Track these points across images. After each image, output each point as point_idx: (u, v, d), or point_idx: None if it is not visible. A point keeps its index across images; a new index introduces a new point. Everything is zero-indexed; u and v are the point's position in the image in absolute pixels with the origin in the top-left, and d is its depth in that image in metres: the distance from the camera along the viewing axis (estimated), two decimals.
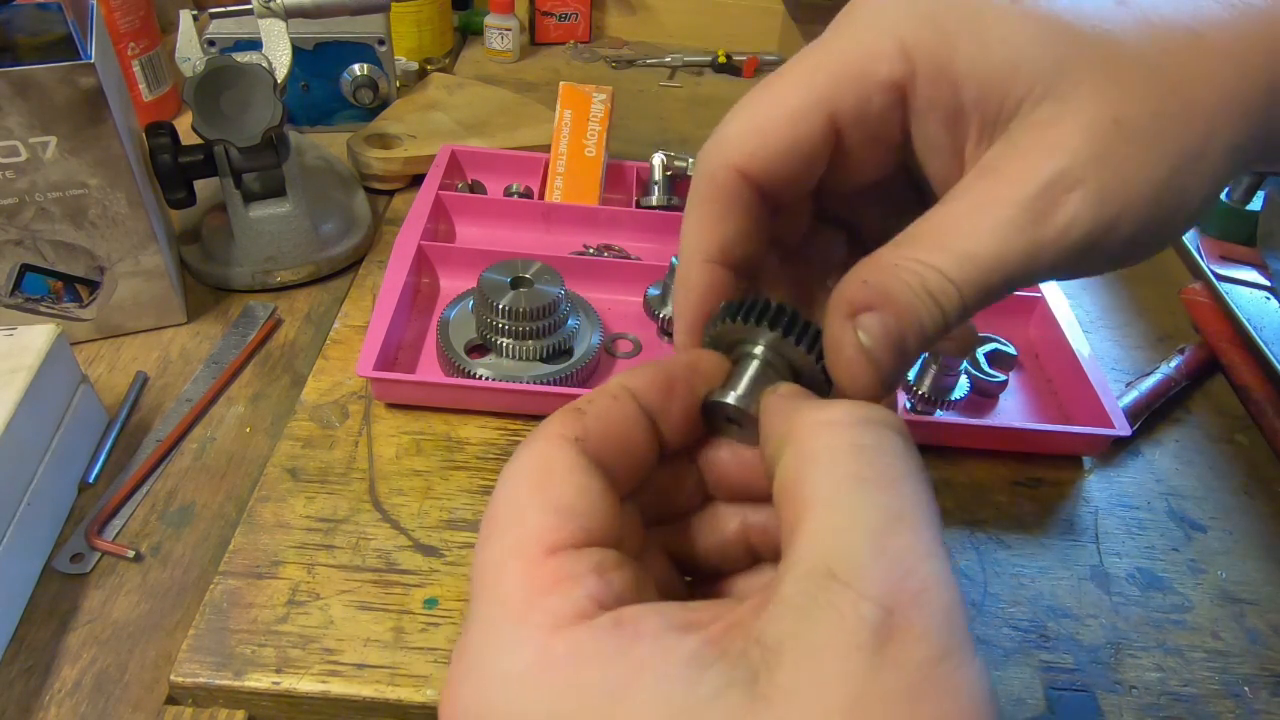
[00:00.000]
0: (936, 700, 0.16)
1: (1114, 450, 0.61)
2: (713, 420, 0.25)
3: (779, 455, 0.21)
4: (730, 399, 0.24)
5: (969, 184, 0.23)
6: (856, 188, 0.26)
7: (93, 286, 0.59)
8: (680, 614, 0.19)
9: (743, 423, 0.24)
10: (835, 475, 0.19)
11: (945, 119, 0.23)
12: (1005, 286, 0.22)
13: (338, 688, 0.42)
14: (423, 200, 0.70)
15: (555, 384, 0.58)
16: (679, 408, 0.24)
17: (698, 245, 0.26)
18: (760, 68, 1.11)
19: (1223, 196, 0.78)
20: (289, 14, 0.61)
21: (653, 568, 0.25)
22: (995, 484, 0.57)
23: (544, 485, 0.21)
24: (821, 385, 0.24)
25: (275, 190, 0.64)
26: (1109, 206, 0.21)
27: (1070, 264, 0.22)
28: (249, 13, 0.61)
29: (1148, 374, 0.65)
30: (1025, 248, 0.21)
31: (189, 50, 0.58)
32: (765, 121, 0.24)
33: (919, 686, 0.16)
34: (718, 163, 0.25)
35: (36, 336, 0.49)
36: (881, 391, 0.22)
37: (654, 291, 0.66)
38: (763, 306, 0.24)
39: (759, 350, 0.25)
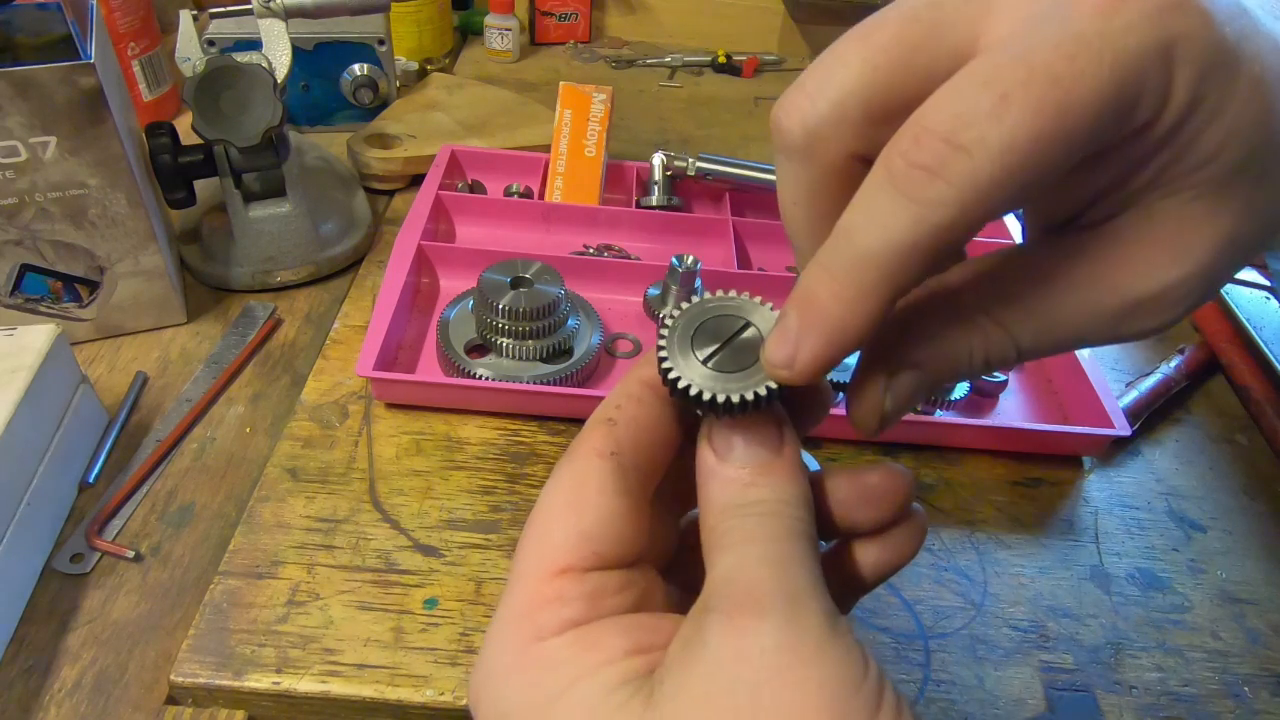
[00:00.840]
0: (776, 691, 0.19)
1: (1114, 450, 0.61)
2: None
3: (708, 531, 0.23)
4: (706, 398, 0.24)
5: (1088, 247, 0.22)
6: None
7: (93, 286, 0.59)
8: (646, 635, 0.22)
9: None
10: (730, 547, 0.22)
11: (1134, 156, 0.21)
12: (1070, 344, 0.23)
13: (338, 688, 0.42)
14: (423, 200, 0.70)
15: (555, 384, 0.58)
16: None
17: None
18: (760, 68, 1.11)
19: None
20: (289, 14, 0.61)
21: (687, 566, 0.26)
22: (995, 484, 0.57)
23: (574, 505, 0.23)
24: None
25: (275, 190, 0.64)
26: (1193, 308, 0.22)
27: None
28: (249, 13, 0.61)
29: (1148, 374, 0.65)
30: (1106, 333, 0.22)
31: (189, 50, 0.58)
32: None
33: (761, 681, 0.19)
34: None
35: (36, 336, 0.49)
36: (878, 434, 0.24)
37: (654, 291, 0.66)
38: (695, 400, 0.23)
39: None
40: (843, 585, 0.26)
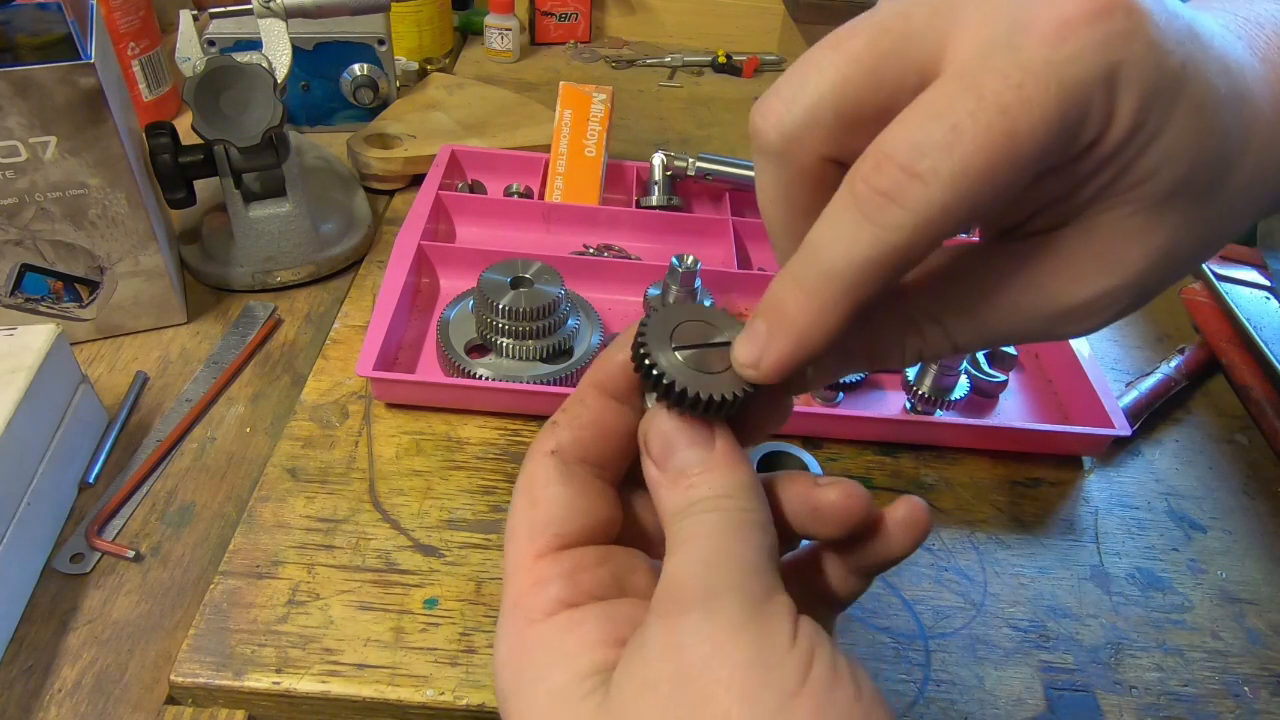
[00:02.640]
0: (698, 677, 0.20)
1: (1114, 450, 0.61)
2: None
3: (668, 537, 0.24)
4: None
5: (1028, 256, 0.23)
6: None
7: (93, 286, 0.59)
8: (625, 627, 0.23)
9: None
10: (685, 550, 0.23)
11: (1077, 174, 0.22)
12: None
13: (338, 688, 0.42)
14: (423, 200, 0.70)
15: (555, 384, 0.57)
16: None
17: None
18: (760, 68, 1.11)
19: None
20: (289, 14, 0.61)
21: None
22: (995, 484, 0.57)
23: (530, 501, 0.25)
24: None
25: (275, 190, 0.64)
26: (1123, 315, 0.23)
27: None
28: (249, 13, 0.61)
29: (1148, 374, 0.65)
30: (1039, 334, 0.24)
31: (189, 50, 0.58)
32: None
33: (686, 672, 0.20)
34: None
35: (36, 336, 0.49)
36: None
37: (654, 291, 0.66)
38: (666, 389, 0.24)
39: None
40: (825, 579, 0.27)
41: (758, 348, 0.22)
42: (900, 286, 0.24)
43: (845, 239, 0.20)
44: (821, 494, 0.25)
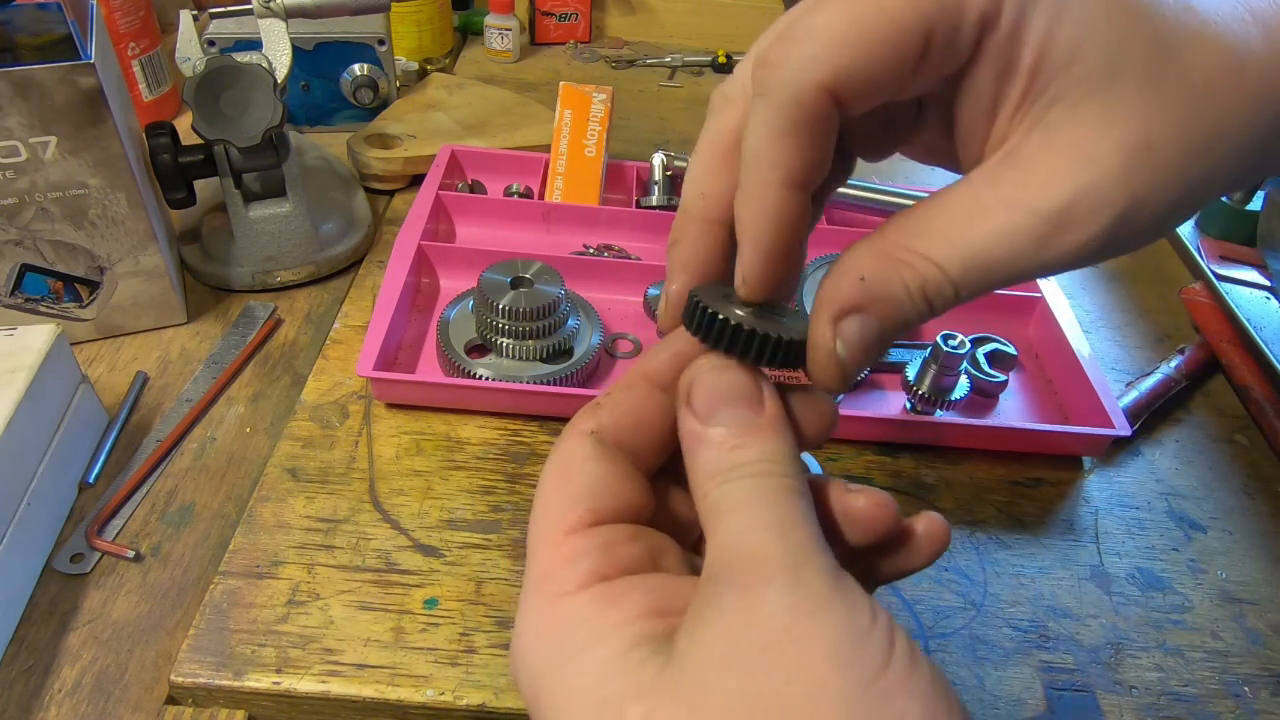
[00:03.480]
0: (784, 649, 0.20)
1: (1114, 450, 0.61)
2: None
3: (700, 498, 0.24)
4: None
5: (993, 172, 0.22)
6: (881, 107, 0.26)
7: (93, 286, 0.59)
8: (666, 598, 0.22)
9: None
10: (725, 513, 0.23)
11: (998, 72, 0.22)
12: (1002, 286, 0.23)
13: (338, 688, 0.42)
14: (423, 200, 0.70)
15: (555, 384, 0.57)
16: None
17: (775, 169, 0.23)
18: None
19: (1223, 197, 0.79)
20: (289, 14, 0.61)
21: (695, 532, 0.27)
22: (995, 484, 0.57)
23: (564, 476, 0.24)
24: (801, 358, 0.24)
25: (275, 190, 0.64)
26: (1124, 228, 0.22)
27: (1067, 270, 0.23)
28: (249, 13, 0.61)
29: (1148, 374, 0.65)
30: (1035, 255, 0.22)
31: (189, 50, 0.58)
32: (868, 29, 0.21)
33: (770, 642, 0.20)
34: (809, 83, 0.21)
35: (36, 336, 0.49)
36: (845, 386, 0.24)
37: (654, 291, 0.66)
38: (747, 338, 0.24)
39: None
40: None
41: (742, 265, 0.23)
42: (881, 230, 0.24)
43: (755, 124, 0.22)
44: (852, 499, 0.25)
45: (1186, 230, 0.80)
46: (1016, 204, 0.22)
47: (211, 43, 0.77)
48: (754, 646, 0.20)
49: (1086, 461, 0.60)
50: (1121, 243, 0.22)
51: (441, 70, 1.01)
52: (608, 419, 0.25)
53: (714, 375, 0.24)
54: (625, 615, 0.22)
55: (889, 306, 0.23)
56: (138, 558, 0.48)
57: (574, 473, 0.24)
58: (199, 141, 0.59)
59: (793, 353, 0.24)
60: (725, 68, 1.10)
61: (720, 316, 0.23)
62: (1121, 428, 0.57)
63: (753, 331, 0.23)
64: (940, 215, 0.23)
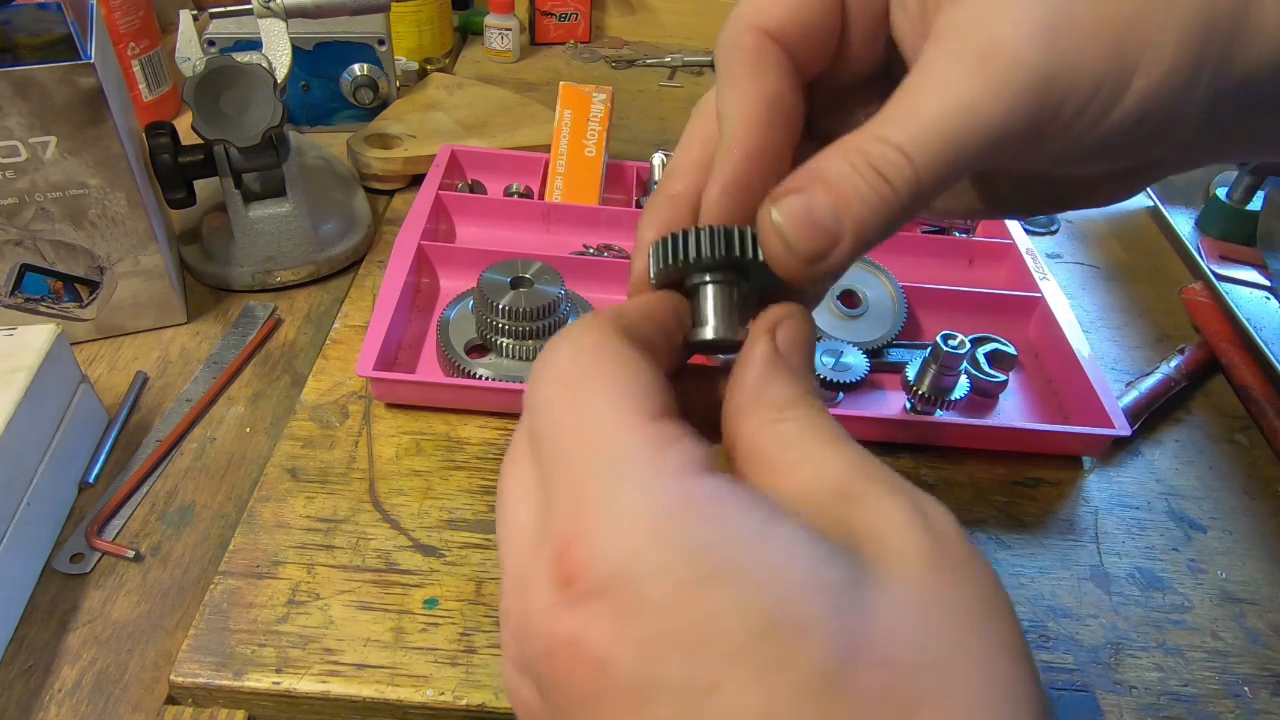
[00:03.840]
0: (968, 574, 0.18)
1: (1114, 450, 0.61)
2: (697, 351, 0.26)
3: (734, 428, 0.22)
4: (710, 335, 0.25)
5: (924, 52, 0.23)
6: (850, 83, 0.27)
7: (93, 286, 0.59)
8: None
9: (728, 347, 0.25)
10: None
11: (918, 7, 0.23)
12: (966, 151, 0.21)
13: (338, 688, 0.42)
14: (423, 200, 0.70)
15: None
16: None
17: (741, 107, 0.24)
18: None
19: (1223, 196, 0.79)
20: (289, 14, 0.61)
21: None
22: (995, 484, 0.57)
23: (613, 363, 0.21)
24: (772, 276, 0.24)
25: (275, 190, 0.64)
26: (1060, 40, 0.21)
27: (1032, 125, 0.21)
28: (249, 13, 0.61)
29: (1148, 374, 0.65)
30: (976, 94, 0.21)
31: (189, 50, 0.58)
32: None
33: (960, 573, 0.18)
34: (742, 27, 0.25)
35: (36, 336, 0.49)
36: (808, 271, 0.23)
37: None
38: (695, 236, 0.24)
39: (709, 276, 0.25)
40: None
41: (709, 185, 0.25)
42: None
43: (717, 79, 0.25)
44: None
45: (1186, 230, 0.80)
46: (943, 56, 0.22)
47: (211, 43, 0.77)
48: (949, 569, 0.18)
49: (1086, 461, 0.60)
50: (1065, 73, 0.21)
51: (441, 70, 1.01)
52: (632, 317, 0.23)
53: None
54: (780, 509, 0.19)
55: (831, 183, 0.22)
56: (138, 558, 0.48)
57: (627, 360, 0.21)
58: (199, 141, 0.59)
59: (744, 240, 0.24)
60: None
61: (677, 233, 0.24)
62: (1121, 428, 0.57)
63: (704, 228, 0.24)
64: (885, 109, 0.23)
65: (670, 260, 0.24)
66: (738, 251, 0.24)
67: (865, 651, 0.16)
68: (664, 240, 0.25)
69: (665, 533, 0.17)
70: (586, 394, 0.20)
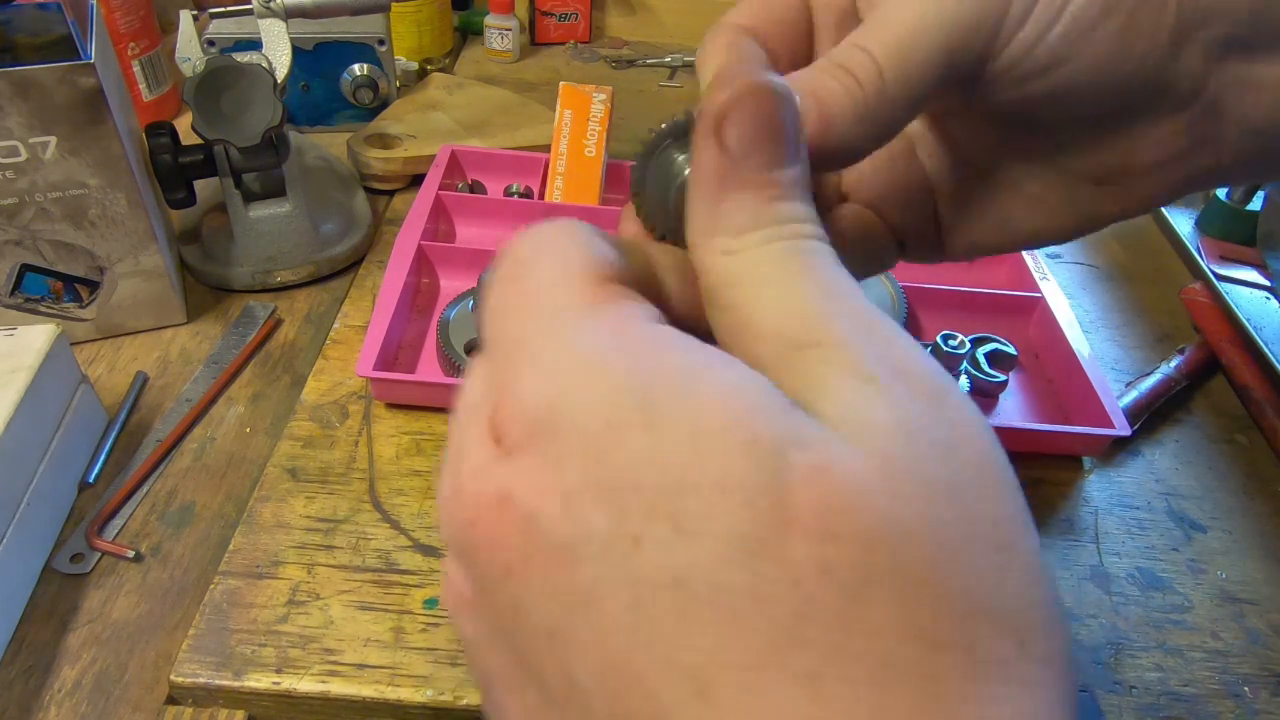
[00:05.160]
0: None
1: (1114, 450, 0.61)
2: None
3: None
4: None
5: None
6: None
7: (93, 286, 0.59)
8: None
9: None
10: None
11: None
12: (925, 45, 0.22)
13: (338, 688, 0.42)
14: (423, 200, 0.70)
15: None
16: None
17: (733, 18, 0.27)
18: None
19: (1223, 196, 0.79)
20: (289, 14, 0.61)
21: None
22: None
23: (565, 236, 0.19)
24: None
25: (275, 190, 0.64)
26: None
27: (985, 21, 0.23)
28: (249, 13, 0.61)
29: (1148, 374, 0.65)
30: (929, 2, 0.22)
31: (189, 50, 0.58)
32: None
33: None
34: (719, 26, 0.27)
35: (36, 336, 0.49)
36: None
37: None
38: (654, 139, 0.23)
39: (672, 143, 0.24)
40: None
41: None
42: None
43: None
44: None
45: (1186, 230, 0.80)
46: None
47: (211, 43, 0.77)
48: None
49: (1086, 461, 0.60)
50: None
51: (441, 70, 1.01)
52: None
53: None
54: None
55: (803, 78, 0.23)
56: (138, 558, 0.48)
57: (578, 233, 0.19)
58: (199, 141, 0.59)
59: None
60: None
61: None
62: (1121, 428, 0.57)
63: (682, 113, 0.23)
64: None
65: (656, 145, 0.23)
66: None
67: (802, 520, 0.14)
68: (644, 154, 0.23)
69: (592, 375, 0.16)
70: (533, 266, 0.19)
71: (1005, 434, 0.59)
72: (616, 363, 0.16)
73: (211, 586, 0.46)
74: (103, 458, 0.53)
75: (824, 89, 0.22)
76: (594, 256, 0.19)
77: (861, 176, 0.30)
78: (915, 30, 0.22)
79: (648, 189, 0.23)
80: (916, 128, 0.30)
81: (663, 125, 0.23)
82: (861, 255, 0.30)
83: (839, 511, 0.14)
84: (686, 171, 0.22)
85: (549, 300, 0.18)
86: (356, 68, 0.86)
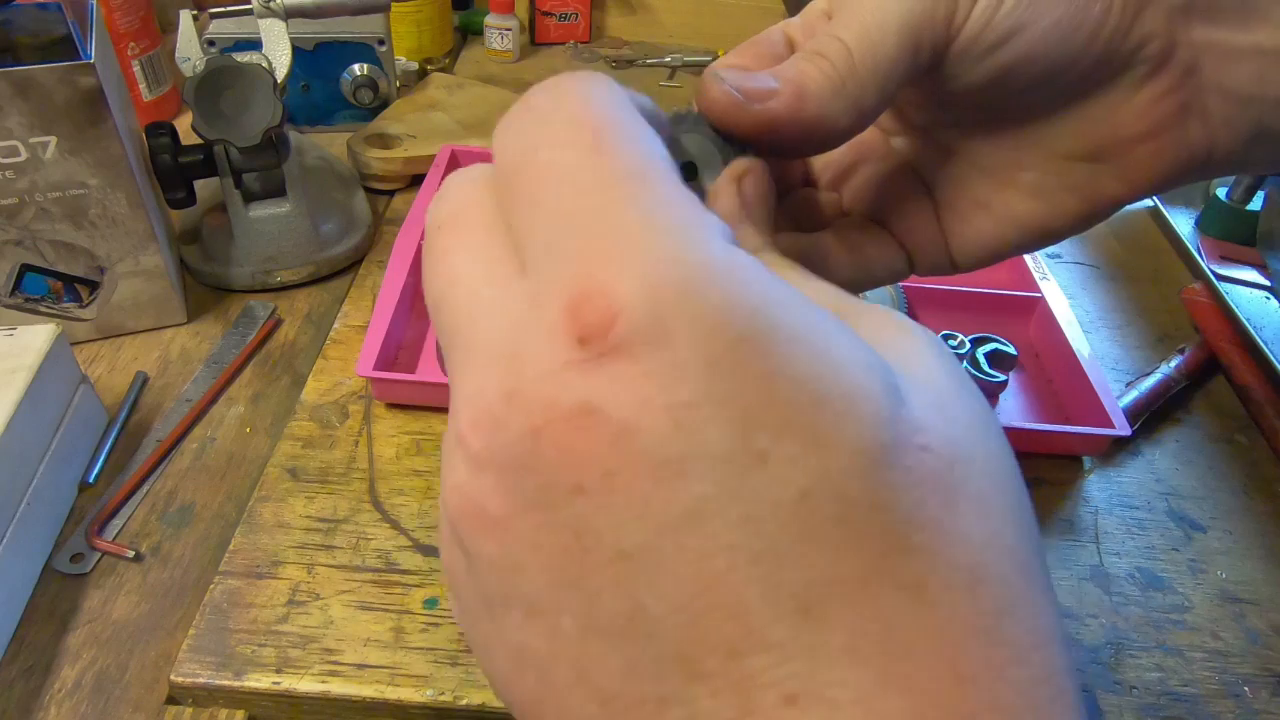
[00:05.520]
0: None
1: (1114, 450, 0.61)
2: None
3: None
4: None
5: None
6: None
7: (93, 286, 0.59)
8: None
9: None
10: None
11: None
12: (892, 27, 0.24)
13: (338, 688, 0.42)
14: (423, 200, 0.70)
15: None
16: None
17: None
18: None
19: (1223, 196, 0.79)
20: (289, 14, 0.61)
21: None
22: None
23: (637, 121, 0.18)
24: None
25: (275, 190, 0.64)
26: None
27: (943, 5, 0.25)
28: (249, 13, 0.61)
29: (1148, 374, 0.65)
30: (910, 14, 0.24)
31: (189, 50, 0.58)
32: None
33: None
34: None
35: (36, 336, 0.49)
36: (743, 112, 0.24)
37: None
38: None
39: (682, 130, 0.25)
40: None
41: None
42: None
43: None
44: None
45: (1186, 230, 0.80)
46: None
47: (211, 43, 0.77)
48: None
49: (1086, 461, 0.60)
50: None
51: (441, 70, 1.01)
52: None
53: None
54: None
55: (782, 65, 0.24)
56: (138, 558, 0.48)
57: (644, 125, 0.18)
58: (199, 141, 0.59)
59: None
60: None
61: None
62: (1121, 428, 0.57)
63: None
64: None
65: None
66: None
67: (909, 434, 0.15)
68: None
69: (709, 291, 0.15)
70: (610, 140, 0.16)
71: (1006, 434, 0.59)
72: (735, 284, 0.15)
73: (211, 586, 0.46)
74: (103, 458, 0.53)
75: (801, 73, 0.24)
76: (670, 162, 0.17)
77: (860, 190, 0.31)
78: (877, 11, 0.24)
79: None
80: (904, 142, 0.31)
81: (673, 111, 0.25)
82: (869, 267, 0.30)
83: (929, 429, 0.16)
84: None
85: (646, 192, 0.16)
86: (356, 68, 0.86)
